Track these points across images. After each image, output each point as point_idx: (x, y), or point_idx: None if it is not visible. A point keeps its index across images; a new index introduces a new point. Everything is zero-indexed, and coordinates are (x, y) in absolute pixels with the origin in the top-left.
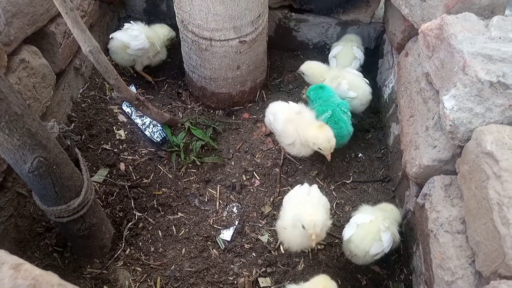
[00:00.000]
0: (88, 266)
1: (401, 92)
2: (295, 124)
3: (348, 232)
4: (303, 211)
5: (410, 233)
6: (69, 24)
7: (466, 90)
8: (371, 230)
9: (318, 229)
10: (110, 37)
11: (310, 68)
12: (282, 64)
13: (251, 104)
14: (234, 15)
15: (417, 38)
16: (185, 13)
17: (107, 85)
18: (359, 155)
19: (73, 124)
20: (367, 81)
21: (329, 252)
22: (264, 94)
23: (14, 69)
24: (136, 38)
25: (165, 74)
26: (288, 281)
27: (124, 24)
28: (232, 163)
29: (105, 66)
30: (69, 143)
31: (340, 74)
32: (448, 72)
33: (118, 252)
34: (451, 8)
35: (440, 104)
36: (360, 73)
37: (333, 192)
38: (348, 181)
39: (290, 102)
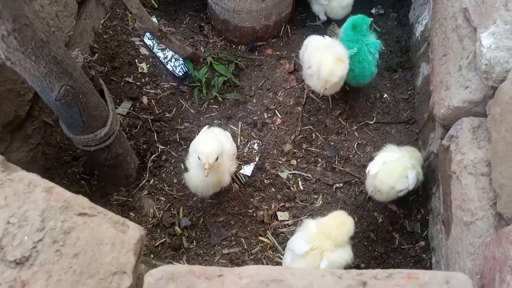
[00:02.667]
0: (115, 193)
1: (435, 29)
2: (321, 54)
3: (374, 167)
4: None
5: (431, 174)
6: None
7: (506, 27)
8: (397, 166)
9: (211, 159)
10: None
11: None
12: None
13: (275, 40)
14: None
15: None
16: None
17: (130, 15)
18: (384, 96)
19: (96, 55)
20: None
21: (347, 191)
22: (289, 29)
23: None
24: None
25: (186, 6)
26: (306, 216)
27: None
28: (254, 100)
29: None
30: (93, 73)
31: None
32: (488, 7)
33: (143, 182)
34: None
35: (477, 42)
36: None
37: (355, 133)
38: (371, 122)
39: (326, 36)
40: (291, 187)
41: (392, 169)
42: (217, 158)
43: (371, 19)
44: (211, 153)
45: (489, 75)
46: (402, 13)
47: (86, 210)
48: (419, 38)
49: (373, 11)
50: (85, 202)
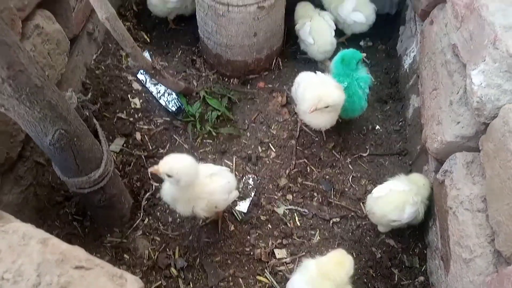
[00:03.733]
0: (108, 235)
1: (424, 63)
2: (314, 89)
3: (378, 191)
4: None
5: (427, 208)
6: None
7: (495, 65)
8: (399, 198)
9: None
10: None
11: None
12: None
13: (266, 73)
14: None
15: (444, 6)
16: None
17: (124, 54)
18: (376, 127)
19: (90, 94)
20: (333, 33)
21: (344, 226)
22: (280, 62)
23: (28, 36)
24: None
25: (178, 40)
26: (304, 253)
27: None
28: (248, 134)
29: (121, 34)
30: (87, 113)
31: (312, 16)
32: (477, 45)
33: (137, 222)
34: None
35: (468, 79)
36: (333, 24)
37: (349, 165)
38: (364, 154)
39: (318, 72)
40: (287, 223)
41: (393, 199)
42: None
43: (364, 54)
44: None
45: (480, 112)
46: (390, 45)
47: (83, 262)
48: (407, 70)
49: (361, 43)
50: (81, 254)
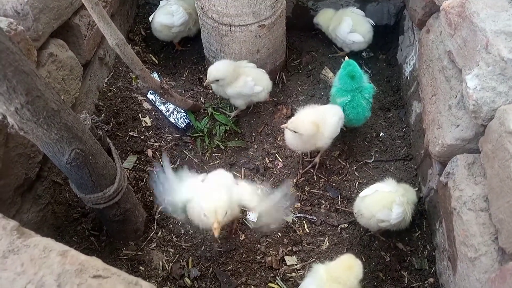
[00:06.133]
0: (124, 248)
1: (423, 70)
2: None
3: (365, 191)
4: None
5: (433, 210)
6: (95, 18)
7: (489, 69)
8: (386, 198)
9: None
10: (150, 19)
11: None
12: (300, 44)
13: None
14: (253, 0)
15: (439, 15)
16: (205, 0)
17: (133, 76)
18: (380, 134)
19: (103, 115)
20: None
21: (352, 231)
22: (283, 76)
23: (43, 63)
24: (176, 12)
25: (185, 60)
26: (314, 259)
27: (160, 2)
28: (255, 146)
29: (131, 58)
30: (101, 133)
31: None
32: (470, 50)
33: (151, 235)
34: None
35: (463, 83)
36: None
37: (355, 172)
38: (370, 161)
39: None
40: (297, 231)
41: (380, 198)
42: (226, 212)
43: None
44: (219, 209)
45: (477, 115)
46: (391, 55)
47: (100, 272)
48: (408, 78)
49: (363, 54)
50: (98, 264)
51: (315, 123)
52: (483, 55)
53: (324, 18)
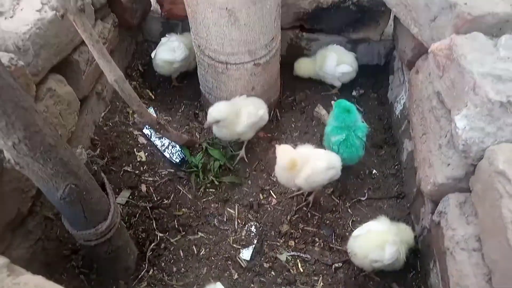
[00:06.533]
0: (114, 287)
1: (413, 109)
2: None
3: (358, 230)
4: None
5: (427, 250)
6: (95, 55)
7: (477, 110)
8: (378, 238)
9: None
10: (153, 55)
11: (302, 67)
12: (294, 82)
13: (266, 120)
14: (249, 40)
15: (427, 57)
16: (202, 39)
17: (130, 111)
18: (373, 172)
19: (98, 149)
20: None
21: (347, 270)
22: (278, 113)
23: (41, 98)
24: (177, 48)
25: (181, 96)
26: None
27: (161, 39)
28: (249, 182)
29: (128, 94)
30: (96, 168)
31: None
32: (459, 92)
33: (142, 273)
34: (460, 28)
35: (452, 124)
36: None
37: (349, 210)
38: (363, 198)
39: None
40: (290, 270)
41: (373, 238)
42: None
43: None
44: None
45: (467, 154)
46: (381, 93)
47: None
48: (399, 116)
49: (354, 93)
50: None
51: (292, 160)
52: (471, 96)
53: (305, 68)
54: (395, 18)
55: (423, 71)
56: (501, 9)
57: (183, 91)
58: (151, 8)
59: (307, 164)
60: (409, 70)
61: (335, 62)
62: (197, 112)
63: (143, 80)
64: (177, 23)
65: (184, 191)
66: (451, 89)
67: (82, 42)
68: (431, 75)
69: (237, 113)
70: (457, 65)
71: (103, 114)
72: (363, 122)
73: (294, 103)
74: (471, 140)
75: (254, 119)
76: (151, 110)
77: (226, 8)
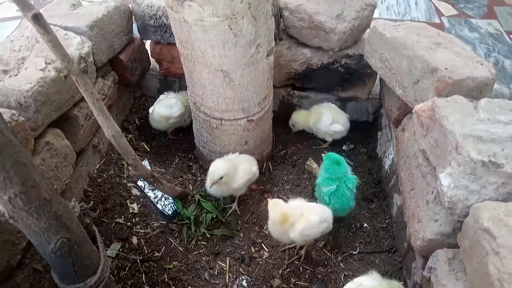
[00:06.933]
0: None
1: (401, 165)
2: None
3: (348, 286)
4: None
5: None
6: (95, 112)
7: (460, 168)
8: None
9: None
10: (150, 111)
11: (299, 118)
12: (286, 136)
13: (258, 176)
14: (243, 98)
15: (412, 116)
16: (198, 96)
17: (125, 163)
18: (364, 225)
19: (92, 202)
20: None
21: None
22: (270, 166)
23: (39, 151)
24: (174, 104)
25: (176, 148)
26: None
27: (160, 96)
28: (241, 234)
29: (125, 148)
30: (88, 221)
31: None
32: (442, 150)
33: None
34: (442, 91)
35: (438, 181)
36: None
37: (341, 264)
38: (355, 252)
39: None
40: None
41: None
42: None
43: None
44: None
45: (453, 211)
46: (371, 148)
47: None
48: (388, 171)
49: (344, 147)
50: None
51: (284, 214)
52: (454, 156)
53: (301, 119)
54: (381, 79)
55: (408, 129)
56: (480, 73)
57: (178, 144)
58: (150, 66)
59: (300, 218)
60: (395, 127)
61: (329, 120)
62: (191, 164)
63: (139, 133)
64: (175, 80)
65: (175, 244)
66: (435, 148)
67: (82, 98)
68: (415, 133)
69: (235, 170)
70: (439, 126)
71: (98, 166)
72: (353, 174)
73: (286, 156)
74: (456, 198)
75: (249, 175)
76: (146, 162)
77: (221, 70)
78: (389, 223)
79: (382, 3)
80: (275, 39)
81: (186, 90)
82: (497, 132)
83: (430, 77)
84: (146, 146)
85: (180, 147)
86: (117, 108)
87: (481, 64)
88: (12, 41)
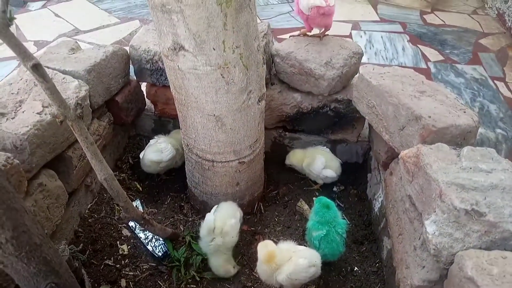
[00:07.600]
0: None
1: (389, 208)
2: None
3: None
4: None
5: None
6: (89, 156)
7: (444, 216)
8: None
9: None
10: (141, 156)
11: (294, 158)
12: (278, 176)
13: (249, 217)
14: (234, 141)
15: (399, 161)
16: (191, 139)
17: (117, 207)
18: (355, 269)
19: (81, 244)
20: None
21: None
22: (261, 206)
23: (31, 193)
24: (164, 149)
25: (168, 188)
26: None
27: (150, 140)
28: (231, 277)
29: (116, 191)
30: (77, 264)
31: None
32: (427, 197)
33: None
34: (426, 138)
35: (423, 228)
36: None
37: None
38: None
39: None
40: None
41: None
42: None
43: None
44: None
45: (439, 258)
46: (361, 190)
47: None
48: (378, 214)
49: (335, 188)
50: None
51: (269, 253)
52: (438, 203)
53: (297, 159)
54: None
55: (396, 174)
56: (462, 121)
57: (170, 183)
58: (146, 107)
59: (288, 261)
60: (384, 170)
61: (322, 165)
62: (183, 204)
63: (133, 172)
64: (169, 120)
65: (164, 287)
66: (421, 194)
67: (77, 140)
68: (402, 179)
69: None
70: (424, 173)
71: (89, 205)
72: (344, 218)
73: (278, 197)
74: (441, 245)
75: (237, 229)
76: (138, 202)
77: (214, 115)
78: (379, 267)
79: (370, 48)
80: (266, 84)
81: (179, 129)
82: (479, 180)
83: (414, 124)
84: (138, 186)
85: (172, 186)
86: (111, 147)
87: (464, 112)
88: (11, 83)
